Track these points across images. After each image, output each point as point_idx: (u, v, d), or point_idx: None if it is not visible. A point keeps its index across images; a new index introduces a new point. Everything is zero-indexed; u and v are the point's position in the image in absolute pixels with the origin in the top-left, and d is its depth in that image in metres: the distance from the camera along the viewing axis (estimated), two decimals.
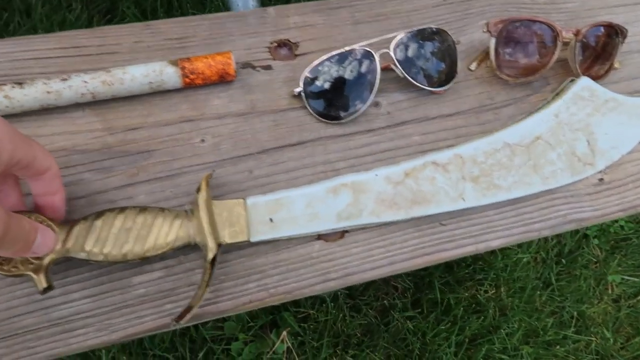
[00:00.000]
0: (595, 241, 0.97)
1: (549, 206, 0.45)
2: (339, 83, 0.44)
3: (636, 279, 0.96)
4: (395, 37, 0.45)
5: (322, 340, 0.81)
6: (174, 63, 0.42)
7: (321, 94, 0.44)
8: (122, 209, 0.37)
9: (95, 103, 0.42)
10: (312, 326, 0.82)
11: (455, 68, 0.47)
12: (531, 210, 0.45)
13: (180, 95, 0.44)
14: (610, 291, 0.96)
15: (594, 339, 0.90)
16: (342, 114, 0.44)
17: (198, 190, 0.37)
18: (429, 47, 0.46)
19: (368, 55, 0.44)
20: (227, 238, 0.38)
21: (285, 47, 0.47)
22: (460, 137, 0.46)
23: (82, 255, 0.35)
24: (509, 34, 0.46)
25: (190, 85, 0.43)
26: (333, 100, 0.44)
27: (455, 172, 0.43)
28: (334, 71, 0.44)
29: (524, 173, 0.44)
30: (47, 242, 0.33)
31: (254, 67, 0.46)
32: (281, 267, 0.40)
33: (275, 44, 0.46)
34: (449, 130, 0.46)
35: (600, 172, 0.47)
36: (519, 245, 0.94)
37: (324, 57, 0.44)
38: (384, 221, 0.41)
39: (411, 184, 0.42)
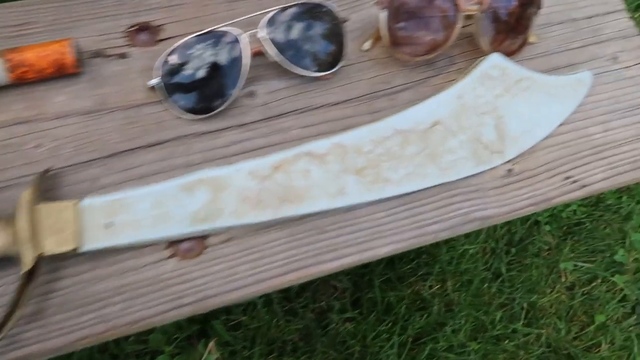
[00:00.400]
0: (547, 227, 0.93)
1: (448, 204, 0.39)
2: (202, 71, 0.38)
3: (590, 265, 0.92)
4: (267, 14, 0.38)
5: (254, 348, 0.76)
6: None
7: (181, 84, 0.38)
8: None
9: None
10: (243, 334, 0.76)
11: (342, 49, 0.41)
12: (427, 209, 0.39)
13: (13, 93, 0.37)
14: (563, 279, 0.91)
15: (544, 330, 0.86)
16: (205, 107, 0.38)
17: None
18: (308, 25, 0.40)
19: (233, 36, 0.38)
20: (50, 247, 0.32)
21: (146, 32, 0.40)
22: (348, 128, 0.40)
23: None
24: (402, 6, 0.40)
25: (23, 81, 0.37)
26: (195, 92, 0.38)
27: (334, 164, 0.37)
28: (194, 57, 0.37)
29: (418, 163, 0.39)
30: None
31: (106, 56, 0.39)
32: (126, 294, 0.34)
33: (134, 28, 0.40)
34: (335, 122, 0.40)
35: (510, 161, 0.41)
36: (466, 236, 0.89)
37: (182, 41, 0.37)
38: (248, 222, 0.36)
39: (281, 179, 0.36)
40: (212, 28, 0.38)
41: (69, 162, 0.36)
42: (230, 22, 0.38)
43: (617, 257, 0.92)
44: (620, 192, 1.00)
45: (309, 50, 0.40)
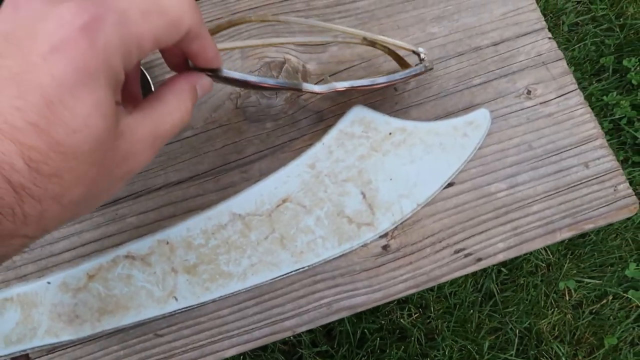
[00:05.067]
0: None
1: (308, 293, 0.34)
2: None
3: (598, 281, 0.82)
4: None
5: None
6: None
7: None
8: None
9: None
10: None
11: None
12: (282, 301, 0.34)
13: None
14: (567, 297, 0.82)
15: (542, 359, 0.77)
16: None
17: None
18: None
19: None
20: None
21: None
22: (192, 211, 0.35)
23: None
24: None
25: None
26: None
27: (160, 264, 0.33)
28: None
29: (265, 251, 0.33)
30: (204, 85, 0.26)
31: None
32: None
33: None
34: (177, 204, 0.35)
35: (387, 235, 0.35)
36: None
37: None
38: (66, 340, 0.32)
39: (98, 289, 0.32)
40: None
41: None
42: None
43: (629, 272, 0.81)
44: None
45: None
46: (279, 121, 0.37)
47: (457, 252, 0.35)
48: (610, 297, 0.81)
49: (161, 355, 0.33)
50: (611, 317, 0.81)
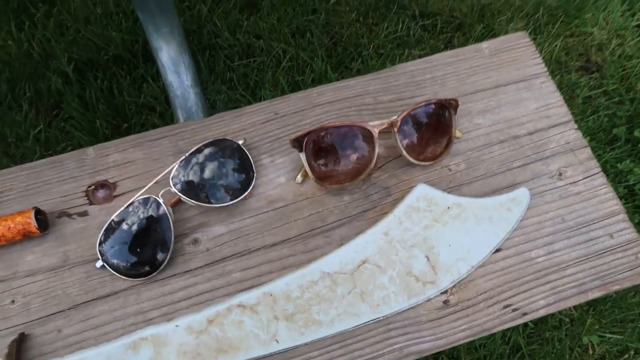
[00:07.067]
0: None
1: (383, 339, 0.41)
2: (136, 239, 0.42)
3: (620, 336, 0.87)
4: (172, 169, 0.43)
5: None
6: None
7: (121, 255, 0.42)
8: None
9: None
10: None
11: (249, 177, 0.45)
12: (362, 346, 0.41)
13: None
14: (590, 352, 0.87)
15: None
16: (150, 269, 0.42)
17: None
18: (212, 162, 0.44)
19: (149, 201, 0.42)
20: None
21: (103, 189, 0.46)
22: (285, 268, 0.43)
23: None
24: (317, 145, 0.43)
25: None
26: (137, 262, 0.42)
27: (265, 313, 0.40)
28: (128, 228, 0.42)
29: (349, 303, 0.41)
30: None
31: (69, 215, 0.45)
32: None
33: (92, 187, 0.45)
34: (273, 262, 0.43)
35: (447, 292, 0.42)
36: None
37: (112, 217, 0.42)
38: None
39: (215, 332, 0.39)
40: (132, 200, 0.42)
41: (38, 315, 0.41)
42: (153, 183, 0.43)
43: None
44: None
45: (217, 184, 0.43)
46: (355, 195, 0.45)
47: (505, 307, 0.42)
48: (632, 352, 0.86)
49: None
50: None
